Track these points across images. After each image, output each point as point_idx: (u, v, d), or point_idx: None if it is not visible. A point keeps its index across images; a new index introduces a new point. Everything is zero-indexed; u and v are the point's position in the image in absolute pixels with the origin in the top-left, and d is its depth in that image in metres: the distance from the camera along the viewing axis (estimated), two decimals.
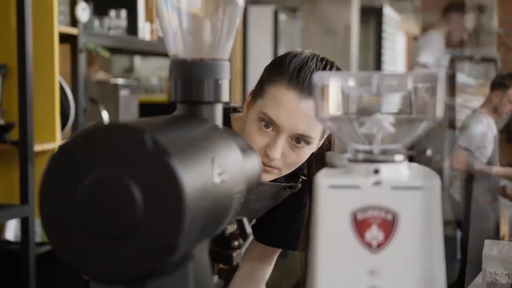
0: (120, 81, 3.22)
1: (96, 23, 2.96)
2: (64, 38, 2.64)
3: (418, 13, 9.99)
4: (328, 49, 5.32)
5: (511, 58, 10.69)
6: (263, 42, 4.82)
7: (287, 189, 1.42)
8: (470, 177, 4.29)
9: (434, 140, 4.27)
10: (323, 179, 0.67)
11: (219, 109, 0.78)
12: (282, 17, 5.07)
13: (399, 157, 0.69)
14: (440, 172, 4.50)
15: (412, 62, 4.48)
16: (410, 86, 0.67)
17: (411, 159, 0.72)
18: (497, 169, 4.50)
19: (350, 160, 0.69)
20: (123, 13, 3.13)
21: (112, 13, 3.09)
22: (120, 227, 0.59)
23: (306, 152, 1.28)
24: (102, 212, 0.59)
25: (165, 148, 0.59)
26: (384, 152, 0.69)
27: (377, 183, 0.66)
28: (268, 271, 1.56)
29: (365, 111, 0.70)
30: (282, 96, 1.23)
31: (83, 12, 2.66)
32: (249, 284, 1.52)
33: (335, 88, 0.69)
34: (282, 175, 1.31)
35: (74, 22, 2.67)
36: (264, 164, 1.25)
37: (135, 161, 0.59)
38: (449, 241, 4.13)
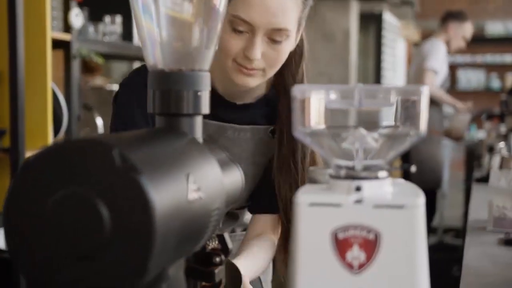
0: (116, 87, 3.20)
1: (91, 28, 2.93)
2: (58, 44, 2.62)
3: (418, 19, 9.99)
4: (327, 55, 5.29)
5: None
6: None
7: (270, 133, 1.38)
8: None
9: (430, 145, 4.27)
10: (303, 196, 0.64)
11: (198, 122, 0.76)
12: None
13: (382, 174, 0.66)
14: (438, 180, 4.48)
15: (417, 67, 4.45)
16: (393, 100, 0.64)
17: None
18: (449, 99, 4.61)
19: (332, 176, 0.67)
20: (118, 19, 3.10)
21: (107, 18, 3.06)
22: (87, 247, 0.56)
23: (286, 47, 1.25)
24: (68, 231, 0.57)
25: (134, 165, 0.56)
26: (367, 168, 0.66)
27: (358, 201, 0.63)
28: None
29: (347, 126, 0.67)
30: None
31: (77, 18, 2.63)
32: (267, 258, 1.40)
33: (315, 101, 0.66)
34: (268, 77, 1.29)
35: (67, 28, 2.65)
36: (246, 68, 1.23)
37: (103, 178, 0.56)
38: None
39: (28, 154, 2.40)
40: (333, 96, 0.66)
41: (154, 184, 0.57)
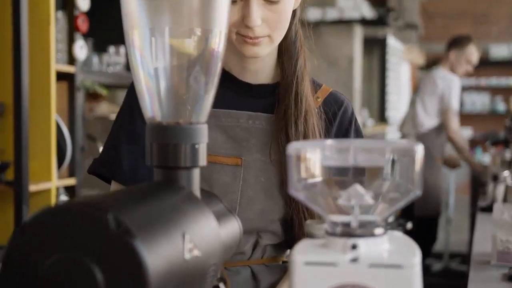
0: None
1: (95, 59, 2.95)
2: (62, 76, 2.63)
3: (422, 42, 10.02)
4: (331, 81, 5.31)
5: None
6: None
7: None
8: (427, 134, 4.36)
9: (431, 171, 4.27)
10: (299, 255, 0.64)
11: (196, 174, 0.76)
12: None
13: (378, 231, 0.66)
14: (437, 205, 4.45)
15: (439, 106, 4.41)
16: (388, 157, 0.64)
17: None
18: (469, 156, 4.59)
19: (328, 233, 0.67)
20: (123, 49, 3.13)
21: (112, 49, 3.08)
22: None
23: (286, 7, 1.17)
24: None
25: (129, 229, 0.56)
26: (362, 224, 0.66)
27: (354, 260, 0.63)
28: None
29: (343, 182, 0.67)
30: None
31: (81, 50, 2.65)
32: None
33: (310, 159, 0.66)
34: (276, 42, 1.20)
35: (72, 60, 2.67)
36: (250, 37, 1.16)
37: (98, 243, 0.57)
38: None
39: (32, 187, 2.41)
40: (328, 153, 0.66)
41: (149, 247, 0.57)
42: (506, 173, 2.93)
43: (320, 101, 1.29)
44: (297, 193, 0.67)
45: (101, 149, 2.84)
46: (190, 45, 0.76)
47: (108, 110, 3.59)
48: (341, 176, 0.68)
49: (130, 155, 1.22)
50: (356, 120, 1.32)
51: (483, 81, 10.03)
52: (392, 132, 7.10)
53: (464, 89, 10.12)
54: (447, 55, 4.48)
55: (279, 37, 1.20)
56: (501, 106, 10.00)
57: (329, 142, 0.68)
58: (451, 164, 4.83)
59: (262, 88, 1.28)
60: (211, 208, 0.75)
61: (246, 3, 1.14)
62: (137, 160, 1.21)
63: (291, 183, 0.66)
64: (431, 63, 10.00)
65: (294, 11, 1.25)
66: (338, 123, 1.30)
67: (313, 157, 0.66)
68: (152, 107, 0.76)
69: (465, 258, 5.15)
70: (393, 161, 0.66)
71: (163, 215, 0.64)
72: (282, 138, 1.22)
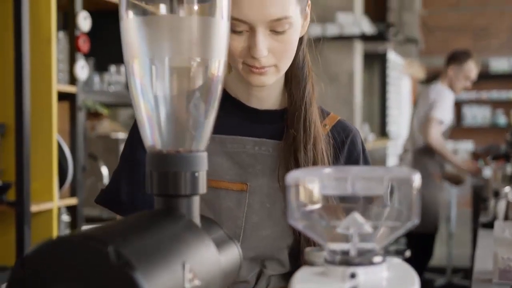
0: (121, 135, 3.22)
1: (96, 78, 2.97)
2: (63, 95, 2.65)
3: (422, 56, 10.06)
4: (332, 97, 5.32)
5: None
6: None
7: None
8: (423, 150, 4.34)
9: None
10: (298, 284, 0.65)
11: (196, 202, 0.76)
12: None
13: (377, 259, 0.66)
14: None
15: (423, 115, 4.42)
16: (386, 188, 0.65)
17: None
18: (453, 158, 4.55)
19: (327, 261, 0.67)
20: (123, 68, 3.14)
21: (112, 68, 3.10)
22: None
23: (292, 36, 1.16)
24: None
25: (129, 262, 0.57)
26: (361, 253, 0.67)
27: None
28: None
29: (342, 210, 0.68)
30: None
31: (82, 70, 2.67)
32: None
33: (309, 188, 0.67)
34: (283, 71, 1.19)
35: (73, 80, 2.68)
36: (256, 67, 1.15)
37: (99, 275, 0.57)
38: None
39: (34, 207, 2.42)
40: (326, 182, 0.67)
41: (149, 279, 0.58)
42: (507, 189, 2.93)
43: (327, 128, 1.28)
44: (296, 222, 0.67)
45: (102, 168, 2.85)
46: (189, 74, 0.77)
47: (110, 128, 3.61)
48: (339, 204, 0.68)
49: (129, 186, 1.24)
50: (365, 150, 1.31)
51: (484, 95, 10.06)
52: (393, 147, 7.11)
53: (465, 102, 10.15)
54: (446, 70, 4.49)
55: (285, 66, 1.19)
56: (502, 119, 10.02)
57: (327, 170, 0.68)
58: (454, 181, 4.81)
59: (269, 114, 1.28)
60: (211, 235, 0.76)
61: (252, 33, 1.13)
62: (136, 191, 1.22)
63: (290, 212, 0.67)
64: (432, 77, 10.03)
65: (301, 38, 1.25)
66: (347, 152, 1.28)
67: (311, 186, 0.67)
68: (152, 135, 0.77)
69: (467, 272, 5.14)
70: (391, 190, 0.66)
71: (163, 245, 0.65)
72: (291, 164, 1.21)
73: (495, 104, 10.16)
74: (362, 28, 5.44)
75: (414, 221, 0.66)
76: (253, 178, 1.22)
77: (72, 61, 2.67)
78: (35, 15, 2.47)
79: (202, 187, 0.76)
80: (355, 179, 0.66)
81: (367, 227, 0.66)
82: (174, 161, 0.75)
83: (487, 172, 5.89)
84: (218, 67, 0.78)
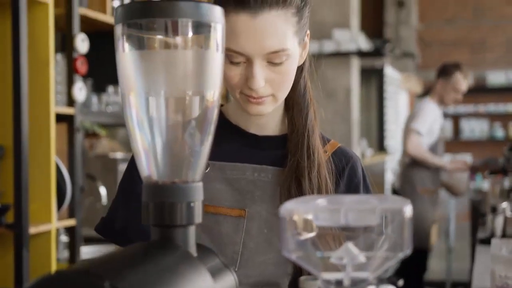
0: (119, 155, 3.23)
1: (94, 99, 2.99)
2: (61, 117, 2.66)
3: (419, 70, 10.10)
4: (329, 113, 5.34)
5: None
6: None
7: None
8: (411, 165, 4.33)
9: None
10: None
11: (192, 232, 0.77)
12: None
13: None
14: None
15: (406, 126, 4.46)
16: (378, 219, 0.66)
17: None
18: (447, 161, 4.52)
19: None
20: None
21: (110, 89, 3.12)
22: None
23: (290, 66, 1.17)
24: None
25: None
26: (355, 282, 0.68)
27: None
28: None
29: (335, 240, 0.69)
30: (234, 23, 1.12)
31: (80, 92, 2.68)
32: None
33: (302, 219, 0.68)
34: (280, 100, 1.20)
35: (71, 101, 2.69)
36: (253, 97, 1.16)
37: None
38: None
39: (32, 229, 2.42)
40: (319, 213, 0.68)
41: None
42: (504, 204, 2.93)
43: (328, 154, 1.28)
44: (290, 253, 0.68)
45: (101, 188, 2.85)
46: (185, 105, 0.78)
47: (109, 146, 3.62)
48: (333, 235, 0.69)
49: (125, 217, 1.26)
50: (365, 176, 1.31)
51: (482, 108, 10.09)
52: (391, 161, 7.12)
53: (463, 115, 10.18)
54: (435, 84, 4.49)
55: (283, 95, 1.20)
56: (499, 133, 10.04)
57: (321, 202, 0.69)
58: (453, 192, 4.80)
59: (269, 140, 1.28)
60: (207, 264, 0.77)
61: (249, 64, 1.14)
62: (132, 221, 1.23)
63: (284, 243, 0.68)
64: (429, 91, 10.08)
65: (302, 65, 1.25)
66: (347, 178, 1.29)
67: (305, 217, 0.68)
68: (148, 166, 0.78)
69: (467, 287, 5.13)
70: (384, 220, 0.67)
71: (159, 277, 0.66)
72: (294, 191, 1.21)
73: (493, 117, 10.18)
74: (359, 44, 5.47)
75: (406, 251, 0.67)
76: (251, 204, 1.23)
77: (70, 83, 2.68)
78: (33, 38, 2.49)
79: (198, 217, 0.77)
80: (348, 211, 0.67)
81: (361, 257, 0.67)
82: (170, 192, 0.76)
83: (485, 185, 5.89)
84: (213, 97, 0.79)
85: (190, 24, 0.75)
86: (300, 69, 1.24)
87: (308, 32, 1.24)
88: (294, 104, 1.27)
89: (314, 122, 1.27)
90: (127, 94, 0.78)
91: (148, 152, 0.78)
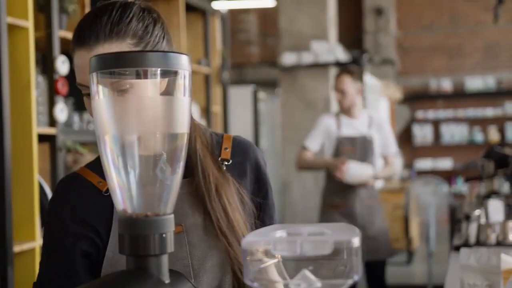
0: None
1: (76, 118, 3.04)
2: (43, 137, 2.71)
3: (399, 77, 10.23)
4: (308, 123, 5.42)
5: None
6: (244, 120, 4.93)
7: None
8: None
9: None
10: None
11: (165, 260, 0.85)
12: (262, 95, 5.20)
13: None
14: None
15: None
16: (330, 250, 0.73)
17: None
18: (320, 161, 4.20)
19: None
20: None
21: None
22: None
23: (137, 95, 1.11)
24: None
25: None
26: None
27: None
28: None
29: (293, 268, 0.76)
30: (76, 59, 1.19)
31: (61, 112, 2.74)
32: None
33: (262, 251, 0.75)
34: None
35: (53, 121, 2.75)
36: None
37: None
38: None
39: (16, 247, 2.47)
40: (278, 245, 0.75)
41: None
42: (477, 212, 2.99)
43: (229, 151, 1.32)
44: (251, 281, 0.75)
45: None
46: (155, 145, 0.86)
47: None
48: (290, 263, 0.76)
49: (59, 279, 1.22)
50: (264, 166, 1.35)
51: (461, 113, 10.23)
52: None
53: (443, 120, 10.32)
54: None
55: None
56: (479, 137, 10.19)
57: (279, 234, 0.76)
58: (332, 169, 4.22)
59: None
60: None
61: None
62: (67, 283, 1.21)
63: (246, 273, 0.75)
64: (409, 97, 10.25)
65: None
66: (250, 172, 1.32)
67: (264, 248, 0.75)
68: (123, 201, 0.85)
69: None
70: (336, 250, 0.75)
71: None
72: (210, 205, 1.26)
73: (472, 122, 10.33)
74: (337, 55, 5.57)
75: (355, 277, 0.74)
76: (185, 218, 1.25)
77: (51, 104, 2.74)
78: (14, 61, 2.54)
79: (170, 246, 0.85)
80: (304, 242, 0.74)
81: (317, 283, 0.75)
82: (144, 224, 0.84)
83: (465, 188, 5.99)
84: (182, 136, 0.87)
85: (158, 72, 0.83)
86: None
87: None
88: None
89: (202, 146, 1.29)
90: (102, 136, 0.85)
91: (122, 188, 0.85)
